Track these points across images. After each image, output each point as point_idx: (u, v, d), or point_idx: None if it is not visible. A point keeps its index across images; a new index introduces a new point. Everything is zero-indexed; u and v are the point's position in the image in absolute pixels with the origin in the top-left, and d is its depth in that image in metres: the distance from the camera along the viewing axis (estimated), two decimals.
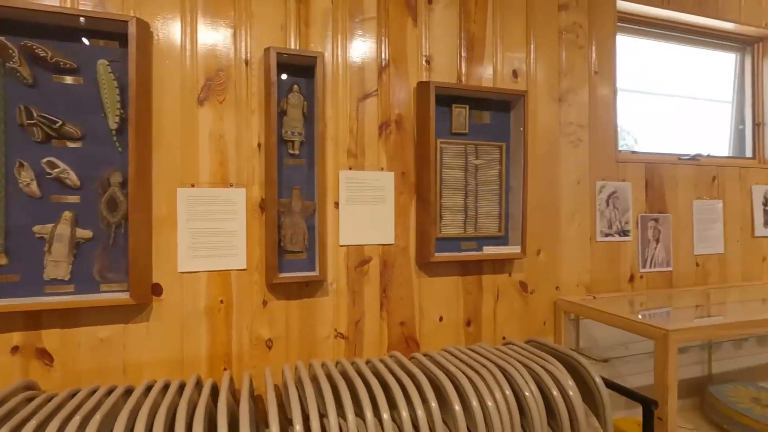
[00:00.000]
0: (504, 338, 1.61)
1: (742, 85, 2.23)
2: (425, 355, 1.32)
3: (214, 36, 1.28)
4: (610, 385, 1.26)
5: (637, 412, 1.75)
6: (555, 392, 1.08)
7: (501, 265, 1.60)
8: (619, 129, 1.89)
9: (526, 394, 1.07)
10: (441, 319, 1.52)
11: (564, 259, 1.70)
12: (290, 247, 1.32)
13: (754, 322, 1.25)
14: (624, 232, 1.79)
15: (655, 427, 1.18)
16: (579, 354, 1.29)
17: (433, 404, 1.01)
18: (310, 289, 1.37)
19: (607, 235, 1.76)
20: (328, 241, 1.38)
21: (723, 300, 1.91)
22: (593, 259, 1.74)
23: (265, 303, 1.32)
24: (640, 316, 1.36)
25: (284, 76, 1.33)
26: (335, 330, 1.40)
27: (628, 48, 2.01)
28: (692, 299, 1.88)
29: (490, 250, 1.51)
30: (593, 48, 1.76)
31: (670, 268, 1.88)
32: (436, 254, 1.47)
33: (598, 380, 1.16)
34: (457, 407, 1.01)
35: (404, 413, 0.98)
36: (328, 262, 1.38)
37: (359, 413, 1.03)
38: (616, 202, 1.78)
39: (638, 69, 2.04)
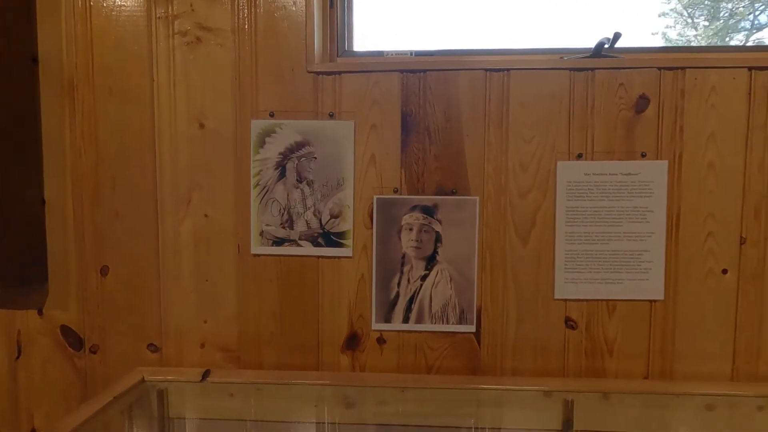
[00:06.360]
0: (33, 430, 0.84)
1: None
2: None
3: None
4: None
5: None
6: None
7: (23, 293, 0.82)
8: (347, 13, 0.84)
9: None
10: None
11: (169, 289, 0.81)
12: None
13: None
14: (329, 237, 0.78)
15: None
16: None
17: None
18: None
19: (278, 241, 0.78)
20: None
21: None
22: (245, 293, 0.80)
23: None
24: None
25: None
26: None
27: None
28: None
29: None
30: None
31: (471, 328, 0.77)
32: None
33: None
34: None
35: None
36: None
37: None
38: (308, 168, 0.77)
39: None
